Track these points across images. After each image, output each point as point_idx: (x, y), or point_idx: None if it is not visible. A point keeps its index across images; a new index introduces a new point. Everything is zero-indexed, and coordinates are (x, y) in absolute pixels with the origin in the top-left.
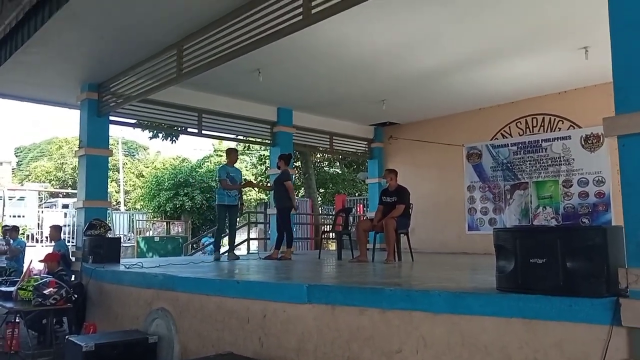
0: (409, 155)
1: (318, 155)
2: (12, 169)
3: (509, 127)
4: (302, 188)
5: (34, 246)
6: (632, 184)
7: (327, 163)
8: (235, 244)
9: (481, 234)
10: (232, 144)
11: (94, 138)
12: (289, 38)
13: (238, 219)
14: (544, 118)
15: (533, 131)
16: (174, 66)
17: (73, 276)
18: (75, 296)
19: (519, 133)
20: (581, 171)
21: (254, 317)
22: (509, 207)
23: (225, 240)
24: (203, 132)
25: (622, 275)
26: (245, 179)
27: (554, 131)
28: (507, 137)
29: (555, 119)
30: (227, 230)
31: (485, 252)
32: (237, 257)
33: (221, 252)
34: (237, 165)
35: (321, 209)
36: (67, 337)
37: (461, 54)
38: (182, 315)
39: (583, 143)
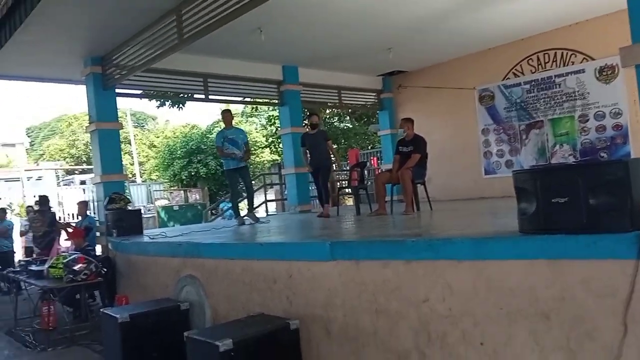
0: (420, 103)
1: (327, 111)
2: (26, 150)
3: (520, 65)
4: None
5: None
6: None
7: (337, 118)
8: (255, 206)
9: (498, 177)
10: (240, 107)
11: (103, 112)
12: None
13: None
14: (555, 53)
15: (545, 67)
16: (174, 32)
17: (100, 250)
18: (105, 270)
19: (531, 70)
20: (597, 104)
21: (280, 278)
22: (525, 147)
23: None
24: (210, 97)
25: None
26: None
27: (567, 65)
28: (519, 76)
29: (567, 53)
30: (245, 193)
31: (504, 195)
32: (258, 220)
33: (242, 215)
34: (246, 127)
35: (335, 165)
36: (101, 310)
37: None
38: (210, 281)
39: (598, 75)
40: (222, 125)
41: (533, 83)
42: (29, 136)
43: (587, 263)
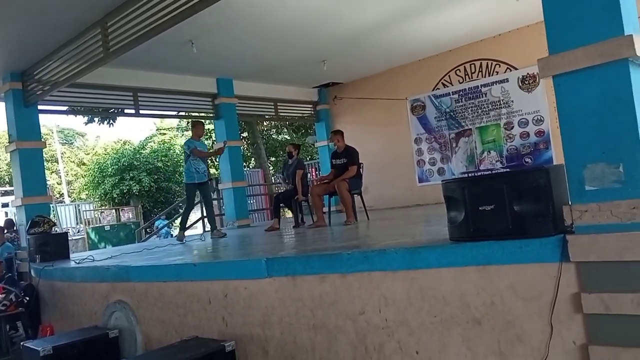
0: (355, 114)
1: (265, 124)
2: None
3: (449, 75)
4: (252, 159)
5: None
6: (570, 122)
7: (274, 130)
8: (188, 224)
9: (432, 185)
10: (175, 121)
11: (24, 130)
12: (219, 5)
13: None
14: (481, 63)
15: (472, 77)
16: (99, 45)
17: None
18: (27, 299)
19: (458, 81)
20: (521, 112)
21: (215, 298)
22: (455, 155)
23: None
24: (141, 112)
25: (566, 213)
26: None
27: (492, 75)
28: (447, 86)
29: (492, 63)
30: (205, 209)
31: (437, 202)
32: (224, 235)
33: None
34: (182, 142)
35: (274, 178)
36: (22, 343)
37: (396, 7)
38: (141, 305)
39: (520, 84)
40: (157, 139)
41: (461, 93)
42: None
43: (514, 268)
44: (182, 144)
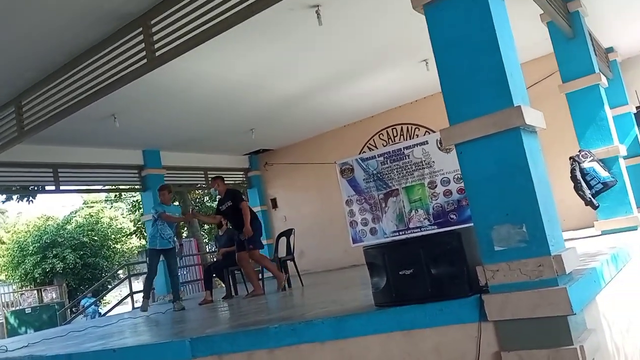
0: (287, 178)
1: (198, 192)
2: None
3: (373, 139)
4: (185, 228)
5: None
6: (474, 186)
7: (208, 197)
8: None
9: (365, 245)
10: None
11: None
12: (141, 79)
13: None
14: (402, 127)
15: (395, 140)
16: (13, 124)
17: None
18: None
19: (382, 144)
20: (442, 172)
21: None
22: (385, 214)
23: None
24: (61, 187)
25: (480, 273)
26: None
27: (413, 138)
28: (373, 149)
29: (412, 127)
30: (169, 278)
31: None
32: (183, 307)
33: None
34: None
35: (209, 246)
36: None
37: (318, 77)
38: None
39: (439, 145)
40: (83, 212)
41: (386, 155)
42: None
43: (437, 330)
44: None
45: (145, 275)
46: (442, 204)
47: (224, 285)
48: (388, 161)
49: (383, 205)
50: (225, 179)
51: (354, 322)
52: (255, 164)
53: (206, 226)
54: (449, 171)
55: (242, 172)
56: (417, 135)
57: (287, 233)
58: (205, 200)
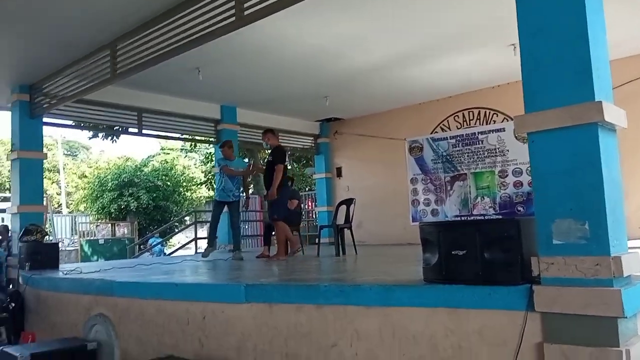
0: (355, 149)
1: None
2: None
3: (447, 120)
4: (252, 185)
5: None
6: (542, 178)
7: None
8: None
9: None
10: (179, 142)
11: (27, 141)
12: (227, 37)
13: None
14: (479, 111)
15: (470, 124)
16: (108, 66)
17: (11, 284)
18: (12, 305)
19: (456, 126)
20: (515, 162)
21: (193, 319)
22: (449, 198)
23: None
24: (144, 131)
25: (534, 264)
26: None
27: (489, 124)
28: (446, 131)
29: (490, 112)
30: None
31: None
32: (241, 258)
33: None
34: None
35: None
36: (1, 347)
37: (399, 50)
38: (121, 321)
39: (516, 135)
40: (160, 158)
41: (458, 138)
42: None
43: (483, 313)
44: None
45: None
46: (511, 195)
47: None
48: (460, 144)
49: (448, 188)
50: (295, 142)
51: (401, 292)
52: (325, 131)
53: None
54: (523, 162)
55: (311, 138)
56: (494, 122)
57: (348, 202)
58: None
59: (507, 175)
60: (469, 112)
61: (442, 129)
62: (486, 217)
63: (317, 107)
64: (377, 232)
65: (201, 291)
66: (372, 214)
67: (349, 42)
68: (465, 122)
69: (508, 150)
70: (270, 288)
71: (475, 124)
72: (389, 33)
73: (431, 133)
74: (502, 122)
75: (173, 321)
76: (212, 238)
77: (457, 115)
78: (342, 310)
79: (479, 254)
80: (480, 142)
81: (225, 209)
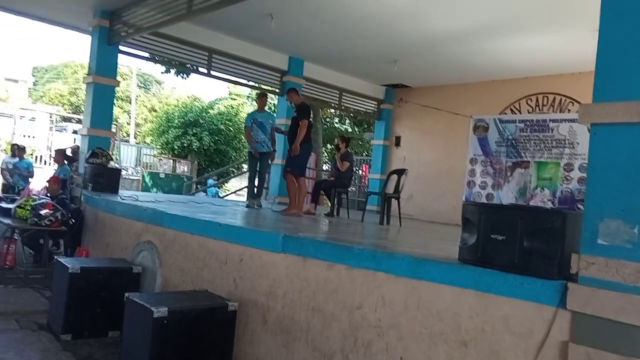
0: (417, 120)
1: (332, 111)
2: (29, 89)
3: (519, 102)
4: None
5: (42, 168)
6: (597, 173)
7: (338, 120)
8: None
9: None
10: (245, 89)
11: (103, 66)
12: None
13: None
14: (554, 98)
15: (542, 110)
16: (184, 2)
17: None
18: (73, 221)
19: (528, 110)
20: (584, 156)
21: (231, 260)
22: (507, 184)
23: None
24: (212, 72)
25: (574, 261)
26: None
27: (563, 112)
28: (515, 113)
29: (566, 100)
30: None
31: None
32: (259, 206)
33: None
34: (250, 111)
35: (326, 166)
36: (55, 257)
37: (476, 20)
38: (167, 250)
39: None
40: (226, 103)
41: (528, 123)
42: (33, 75)
43: (511, 301)
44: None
45: None
46: (573, 190)
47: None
48: (528, 130)
49: (508, 173)
50: (357, 104)
51: (431, 267)
52: (389, 97)
53: (330, 145)
54: None
55: (375, 102)
56: (569, 110)
57: (400, 172)
58: (335, 121)
59: (572, 170)
60: (543, 96)
61: (512, 111)
62: (514, 204)
63: (385, 70)
64: (427, 208)
65: (242, 235)
66: (425, 189)
67: (429, 5)
68: (537, 107)
69: (578, 143)
70: (306, 242)
71: (548, 110)
72: (470, 1)
73: (500, 114)
74: (577, 112)
75: (213, 258)
76: (250, 188)
77: (531, 99)
78: (371, 275)
79: (518, 242)
80: (550, 130)
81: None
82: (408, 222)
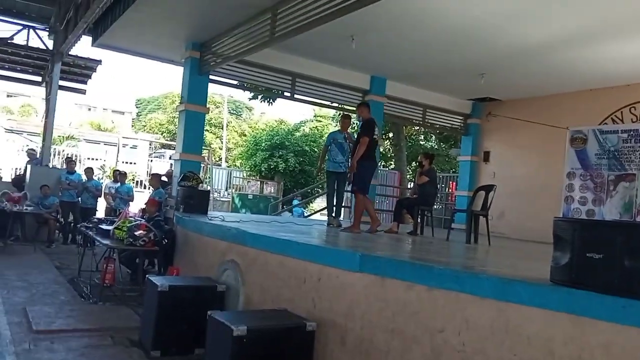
0: (508, 134)
1: (416, 128)
2: (132, 119)
3: (621, 112)
4: (393, 160)
5: (142, 192)
6: None
7: (422, 136)
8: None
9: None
10: (330, 111)
11: (194, 95)
12: (383, 4)
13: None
14: None
15: None
16: (267, 29)
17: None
18: (166, 241)
19: (632, 119)
20: None
21: (310, 279)
22: (610, 199)
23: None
24: (295, 96)
25: None
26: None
27: None
28: (617, 123)
29: None
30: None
31: None
32: (339, 225)
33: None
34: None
35: (411, 184)
36: (147, 276)
37: (570, 28)
38: (249, 269)
39: None
40: (311, 125)
41: (632, 133)
42: (137, 107)
43: (613, 327)
44: None
45: None
46: None
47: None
48: (632, 140)
49: (611, 188)
50: (442, 120)
51: (521, 288)
52: (477, 112)
53: (415, 163)
54: None
55: (461, 117)
56: None
57: (488, 188)
58: (420, 138)
59: None
60: None
61: (614, 121)
62: (612, 220)
63: (471, 84)
64: (519, 226)
65: (319, 253)
66: (517, 206)
67: (513, 15)
68: None
69: None
70: (384, 261)
71: None
72: (563, 7)
73: (599, 124)
74: None
75: (292, 277)
76: (329, 207)
77: (634, 107)
78: (454, 297)
79: (619, 261)
80: None
81: None
82: (498, 241)
